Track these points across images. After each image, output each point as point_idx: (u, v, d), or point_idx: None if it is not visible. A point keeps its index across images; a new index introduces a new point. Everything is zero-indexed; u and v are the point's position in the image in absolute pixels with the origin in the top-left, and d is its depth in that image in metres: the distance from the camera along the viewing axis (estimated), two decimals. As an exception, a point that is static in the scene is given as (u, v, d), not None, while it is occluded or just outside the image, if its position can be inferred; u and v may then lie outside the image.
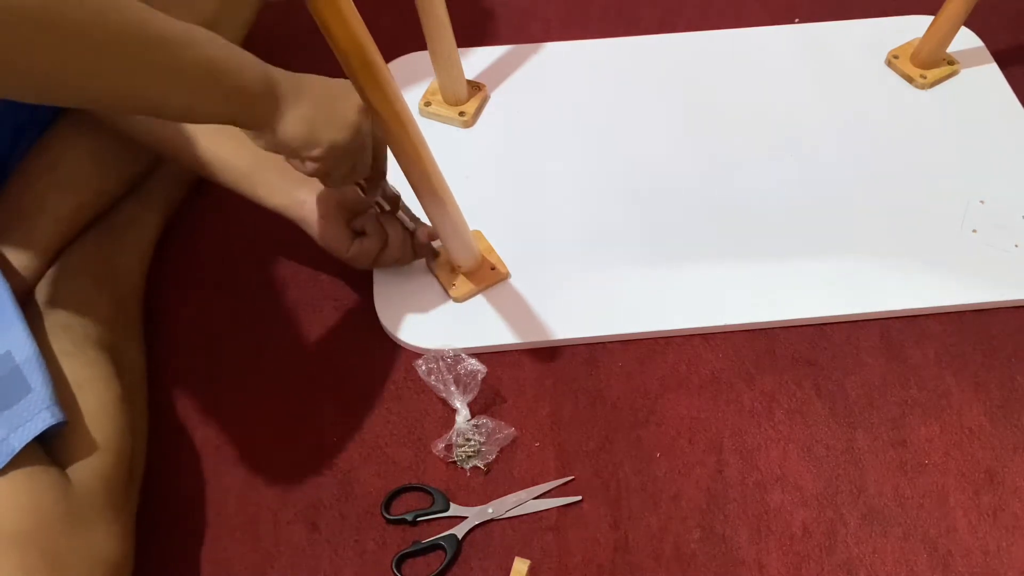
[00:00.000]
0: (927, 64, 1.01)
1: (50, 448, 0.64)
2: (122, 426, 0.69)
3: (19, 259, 0.76)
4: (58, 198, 0.79)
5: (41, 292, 0.76)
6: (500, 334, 0.82)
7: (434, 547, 0.72)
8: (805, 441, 0.77)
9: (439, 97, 0.98)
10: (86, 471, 0.65)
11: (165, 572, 0.70)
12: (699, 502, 0.74)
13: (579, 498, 0.74)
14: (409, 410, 0.79)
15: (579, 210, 0.91)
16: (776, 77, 1.03)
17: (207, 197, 0.93)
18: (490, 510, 0.73)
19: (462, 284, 0.84)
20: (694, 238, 0.89)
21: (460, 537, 0.72)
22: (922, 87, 1.01)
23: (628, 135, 0.98)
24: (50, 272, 0.77)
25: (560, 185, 0.93)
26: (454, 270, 0.85)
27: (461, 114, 0.97)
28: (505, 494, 0.74)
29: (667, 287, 0.85)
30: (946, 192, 0.93)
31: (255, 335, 0.84)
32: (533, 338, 0.82)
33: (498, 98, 1.01)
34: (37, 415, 0.62)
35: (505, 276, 0.85)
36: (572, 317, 0.83)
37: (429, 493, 0.74)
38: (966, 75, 1.03)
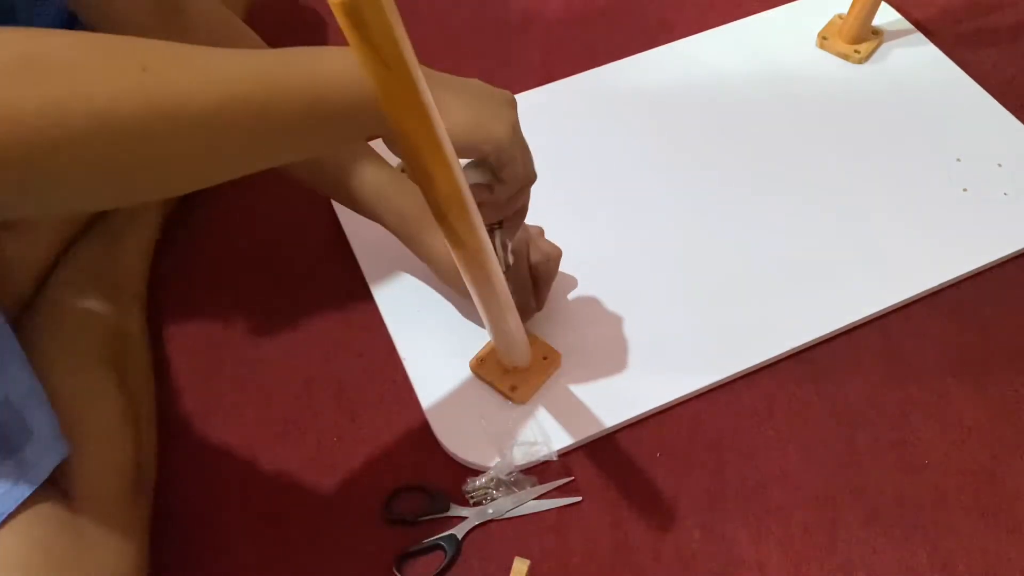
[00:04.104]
0: (857, 39, 1.03)
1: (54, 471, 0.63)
2: (127, 442, 0.69)
3: (20, 263, 0.76)
4: None
5: (44, 297, 0.75)
6: (573, 430, 0.76)
7: (434, 547, 0.72)
8: (805, 441, 0.77)
9: None
10: (91, 491, 0.64)
11: (165, 572, 0.70)
12: (699, 502, 0.74)
13: (579, 498, 0.74)
14: (409, 410, 0.79)
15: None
16: (724, 83, 1.01)
17: (206, 195, 0.93)
18: (490, 510, 0.73)
19: (523, 387, 0.78)
20: (703, 279, 0.85)
21: (460, 537, 0.72)
22: (859, 62, 1.02)
23: (594, 171, 0.93)
24: (53, 276, 0.77)
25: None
26: (507, 372, 0.78)
27: None
28: (505, 494, 0.74)
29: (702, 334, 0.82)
30: (922, 158, 0.94)
31: (255, 335, 0.84)
32: (603, 426, 0.76)
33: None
34: (43, 458, 0.61)
35: (558, 362, 0.79)
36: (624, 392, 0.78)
37: (429, 493, 0.74)
38: (893, 42, 1.04)
